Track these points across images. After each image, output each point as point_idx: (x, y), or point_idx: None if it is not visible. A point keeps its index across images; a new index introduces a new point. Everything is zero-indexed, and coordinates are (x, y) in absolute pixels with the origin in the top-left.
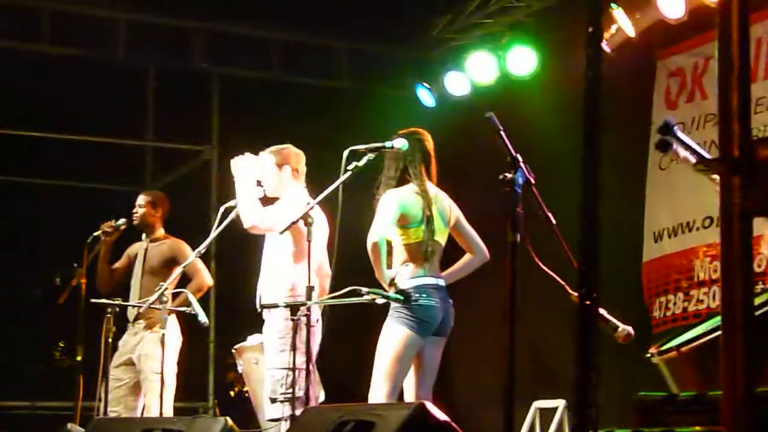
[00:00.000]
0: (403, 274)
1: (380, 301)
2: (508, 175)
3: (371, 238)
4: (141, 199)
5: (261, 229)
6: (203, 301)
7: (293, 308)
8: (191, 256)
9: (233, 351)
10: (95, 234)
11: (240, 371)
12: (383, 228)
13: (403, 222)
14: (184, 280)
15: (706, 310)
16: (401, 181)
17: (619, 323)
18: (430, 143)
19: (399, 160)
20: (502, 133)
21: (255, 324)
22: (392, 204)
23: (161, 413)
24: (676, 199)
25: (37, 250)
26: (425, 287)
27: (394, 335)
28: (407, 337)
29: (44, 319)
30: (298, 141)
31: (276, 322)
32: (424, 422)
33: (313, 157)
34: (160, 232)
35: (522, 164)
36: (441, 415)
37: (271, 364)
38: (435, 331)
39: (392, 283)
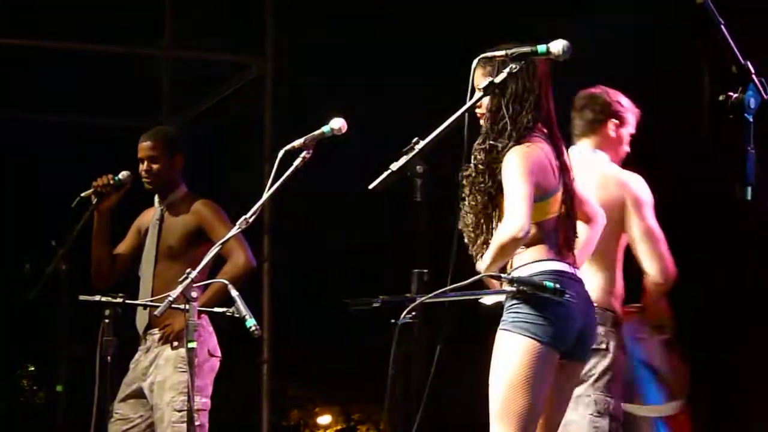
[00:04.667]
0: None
1: (488, 301)
2: (733, 95)
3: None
4: (148, 145)
5: None
6: (252, 298)
7: None
8: (233, 229)
9: None
10: (83, 195)
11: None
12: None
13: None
14: (220, 265)
15: None
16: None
17: None
18: None
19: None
20: (723, 27)
21: (333, 329)
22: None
23: None
24: None
25: None
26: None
27: (516, 349)
28: (537, 351)
29: (5, 327)
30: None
31: None
32: None
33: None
34: (181, 191)
35: (756, 78)
36: None
37: None
38: (568, 349)
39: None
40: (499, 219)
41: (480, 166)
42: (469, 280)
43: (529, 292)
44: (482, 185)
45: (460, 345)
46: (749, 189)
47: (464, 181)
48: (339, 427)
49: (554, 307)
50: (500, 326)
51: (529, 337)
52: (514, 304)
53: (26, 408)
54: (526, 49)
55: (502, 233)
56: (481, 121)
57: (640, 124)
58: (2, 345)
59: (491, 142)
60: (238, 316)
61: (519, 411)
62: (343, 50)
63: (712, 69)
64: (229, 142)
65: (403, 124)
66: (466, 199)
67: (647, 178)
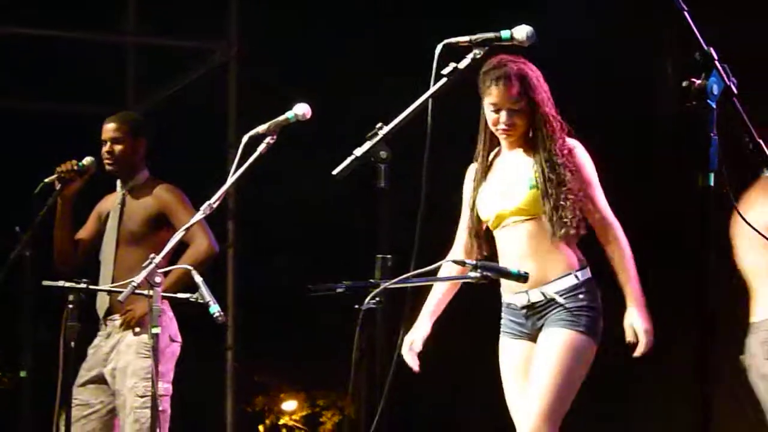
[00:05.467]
0: None
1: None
2: (696, 81)
3: None
4: (112, 127)
5: None
6: (216, 286)
7: None
8: (197, 214)
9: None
10: (47, 180)
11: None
12: None
13: None
14: (182, 251)
15: None
16: None
17: None
18: None
19: None
20: (686, 14)
21: (297, 315)
22: None
23: None
24: None
25: None
26: None
27: (578, 348)
28: (592, 355)
29: None
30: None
31: None
32: None
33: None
34: (144, 176)
35: (718, 63)
36: None
37: None
38: None
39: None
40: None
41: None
42: (431, 267)
43: (493, 278)
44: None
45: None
46: (711, 176)
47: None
48: (304, 413)
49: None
50: (570, 325)
51: (595, 343)
52: (584, 306)
53: None
54: (490, 35)
55: (620, 230)
56: (503, 138)
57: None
58: None
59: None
60: (201, 302)
61: (564, 412)
62: (307, 35)
63: (676, 56)
64: (194, 128)
65: (369, 109)
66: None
67: (608, 163)
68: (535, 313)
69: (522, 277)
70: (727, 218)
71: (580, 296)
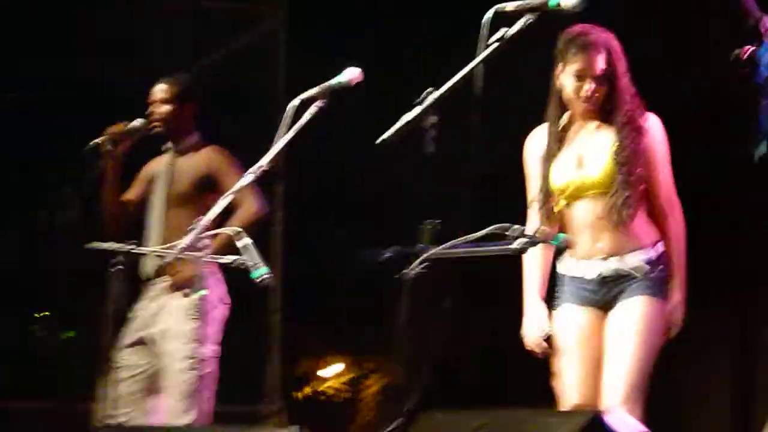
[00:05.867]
0: None
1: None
2: (749, 49)
3: None
4: (161, 90)
5: None
6: (265, 249)
7: None
8: (246, 176)
9: None
10: (96, 141)
11: None
12: None
13: None
14: (231, 214)
15: None
16: None
17: None
18: None
19: None
20: None
21: (346, 280)
22: None
23: (195, 421)
24: None
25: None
26: None
27: (659, 318)
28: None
29: (16, 273)
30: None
31: None
32: None
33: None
34: (193, 138)
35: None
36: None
37: None
38: None
39: None
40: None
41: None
42: (480, 233)
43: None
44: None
45: (471, 298)
46: (765, 143)
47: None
48: (349, 376)
49: None
50: (651, 294)
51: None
52: (662, 278)
53: (36, 353)
54: (538, 1)
55: (681, 219)
56: (584, 106)
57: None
58: (15, 292)
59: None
60: (248, 265)
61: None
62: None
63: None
64: (244, 91)
65: (418, 74)
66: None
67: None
68: (609, 285)
69: (565, 242)
70: None
71: (659, 269)
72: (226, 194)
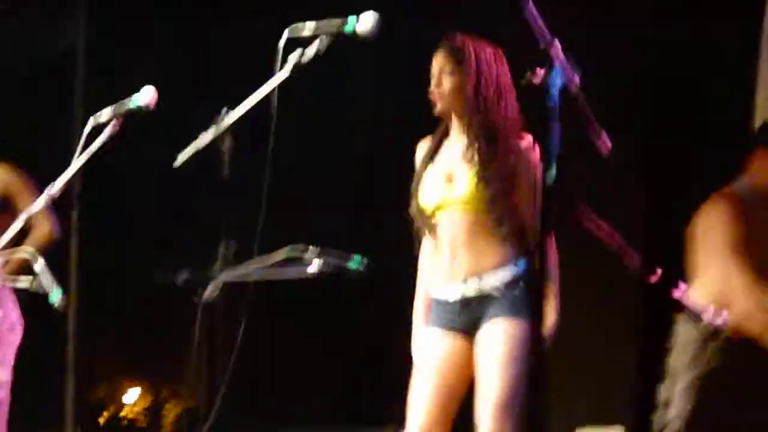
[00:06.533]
0: None
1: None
2: (539, 73)
3: None
4: None
5: None
6: (60, 272)
7: None
8: (39, 199)
9: None
10: None
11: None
12: None
13: None
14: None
15: None
16: None
17: (704, 311)
18: None
19: None
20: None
21: (141, 304)
22: None
23: None
24: None
25: None
26: None
27: (524, 337)
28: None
29: None
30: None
31: None
32: None
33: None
34: None
35: (560, 57)
36: None
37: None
38: None
39: None
40: None
41: None
42: (276, 256)
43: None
44: None
45: (265, 320)
46: (554, 171)
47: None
48: (146, 404)
49: None
50: (504, 312)
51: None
52: (524, 297)
53: None
54: (336, 22)
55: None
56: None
57: None
58: None
59: None
60: (42, 289)
61: (522, 401)
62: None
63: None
64: (38, 117)
65: (216, 98)
66: None
67: None
68: (471, 307)
69: (362, 266)
70: None
71: (520, 286)
72: (20, 216)
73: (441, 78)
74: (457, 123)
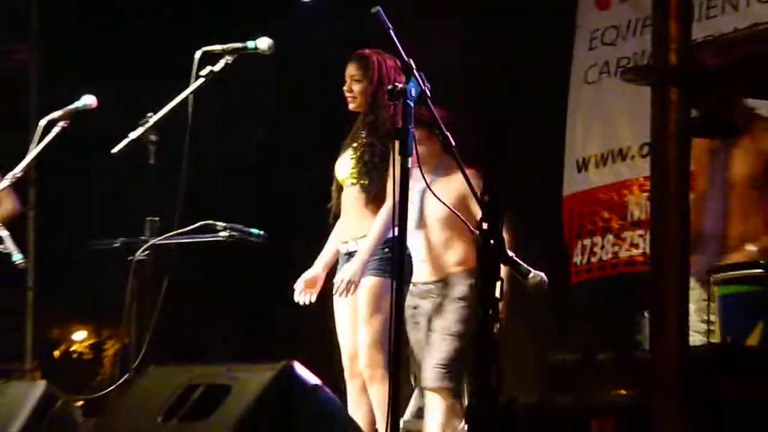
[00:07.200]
0: None
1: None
2: (399, 85)
3: None
4: None
5: None
6: (20, 239)
7: None
8: (3, 181)
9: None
10: None
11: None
12: None
13: None
14: None
15: (642, 257)
16: None
17: (530, 269)
18: None
19: None
20: (391, 32)
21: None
22: None
23: None
24: (606, 121)
25: None
26: None
27: (383, 289)
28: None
29: None
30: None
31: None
32: (290, 386)
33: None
34: None
35: (416, 72)
36: (311, 378)
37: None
38: None
39: None
40: None
41: None
42: (192, 226)
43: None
44: None
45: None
46: (410, 159)
47: None
48: (91, 341)
49: None
50: (368, 270)
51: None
52: (387, 257)
53: None
54: (240, 45)
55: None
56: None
57: None
58: None
59: None
60: (6, 251)
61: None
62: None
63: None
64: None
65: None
66: None
67: None
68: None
69: (260, 236)
70: None
71: (386, 249)
72: None
73: (351, 83)
74: (361, 117)
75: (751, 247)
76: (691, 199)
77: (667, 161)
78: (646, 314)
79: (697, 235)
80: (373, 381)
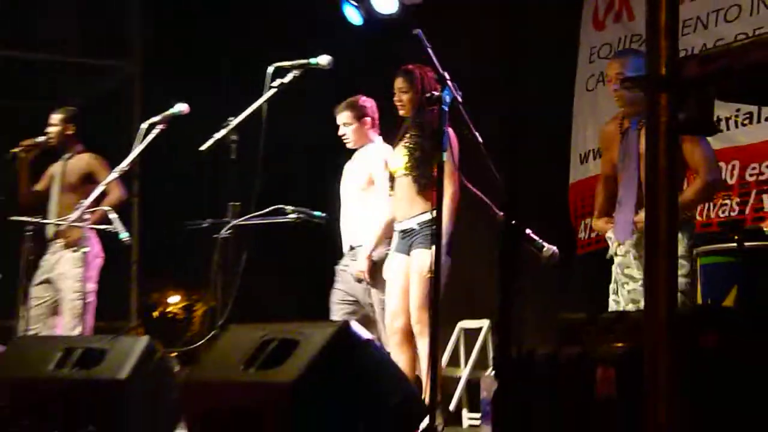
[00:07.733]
0: None
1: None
2: (435, 93)
3: None
4: (54, 118)
5: None
6: (127, 221)
7: None
8: (112, 173)
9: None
10: (13, 151)
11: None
12: None
13: None
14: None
15: None
16: None
17: (544, 243)
18: None
19: None
20: (429, 50)
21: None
22: None
23: (82, 333)
24: (601, 121)
25: None
26: None
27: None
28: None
29: None
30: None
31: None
32: (347, 340)
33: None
34: (78, 148)
35: (450, 82)
36: (365, 334)
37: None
38: None
39: None
40: None
41: None
42: (266, 210)
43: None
44: None
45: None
46: (445, 154)
47: None
48: (184, 304)
49: None
50: (418, 244)
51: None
52: (424, 227)
53: None
54: (304, 61)
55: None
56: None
57: None
58: None
59: None
60: (115, 231)
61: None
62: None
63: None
64: (106, 116)
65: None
66: None
67: None
68: (406, 237)
69: (322, 218)
70: None
71: (428, 226)
72: (100, 185)
73: (400, 95)
74: (409, 121)
75: None
76: (609, 173)
77: (658, 153)
78: None
79: (617, 199)
80: (422, 335)
